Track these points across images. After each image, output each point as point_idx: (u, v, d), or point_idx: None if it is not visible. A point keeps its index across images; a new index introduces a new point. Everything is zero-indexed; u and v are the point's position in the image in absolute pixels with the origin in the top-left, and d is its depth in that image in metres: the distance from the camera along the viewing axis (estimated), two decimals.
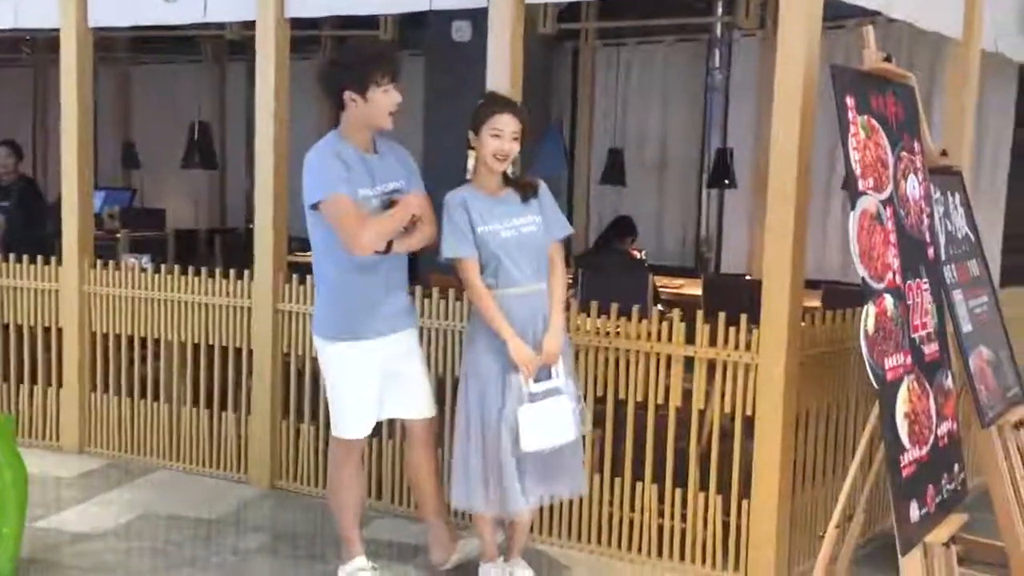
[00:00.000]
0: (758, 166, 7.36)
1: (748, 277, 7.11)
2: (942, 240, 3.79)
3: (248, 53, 9.37)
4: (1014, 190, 6.39)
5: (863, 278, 3.12)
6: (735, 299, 5.83)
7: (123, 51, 9.73)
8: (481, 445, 3.43)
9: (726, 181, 7.33)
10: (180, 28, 7.19)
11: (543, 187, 3.55)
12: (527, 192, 3.48)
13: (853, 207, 3.14)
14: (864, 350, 3.03)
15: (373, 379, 3.48)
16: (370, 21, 7.51)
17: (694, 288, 6.47)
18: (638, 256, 6.71)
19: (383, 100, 3.34)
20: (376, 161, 3.43)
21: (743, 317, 3.70)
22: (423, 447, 3.67)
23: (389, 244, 3.36)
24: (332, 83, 3.37)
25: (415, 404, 3.59)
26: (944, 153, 4.04)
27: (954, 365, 3.68)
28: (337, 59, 3.57)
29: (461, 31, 7.13)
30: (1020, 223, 6.35)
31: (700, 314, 3.78)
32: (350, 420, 3.52)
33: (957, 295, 3.81)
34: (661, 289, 6.20)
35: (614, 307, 3.90)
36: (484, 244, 3.41)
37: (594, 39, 8.11)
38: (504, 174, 3.47)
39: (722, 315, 3.72)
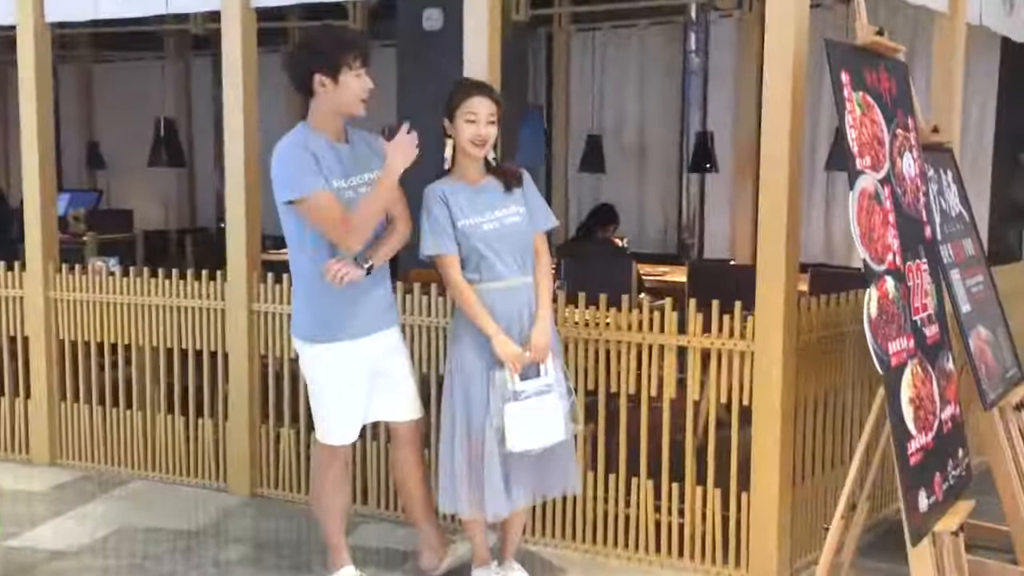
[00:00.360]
0: (739, 149, 7.28)
1: (733, 262, 7.02)
2: (937, 219, 3.69)
3: (213, 47, 9.17)
4: (999, 167, 6.32)
5: (864, 260, 3.00)
6: (721, 285, 5.72)
7: (84, 49, 9.49)
8: (466, 446, 3.30)
9: (707, 165, 7.22)
10: (142, 22, 6.98)
11: (527, 176, 3.41)
12: (510, 181, 3.34)
13: (852, 187, 3.02)
14: (868, 335, 2.92)
15: (357, 381, 3.33)
16: (339, 11, 7.35)
17: (678, 275, 6.36)
18: (620, 244, 6.59)
19: (355, 85, 3.18)
20: (348, 151, 3.27)
21: (737, 305, 3.59)
22: (409, 449, 3.53)
23: (371, 267, 3.20)
24: (301, 67, 3.19)
25: (401, 406, 3.45)
26: (936, 130, 3.94)
27: (953, 347, 3.58)
28: (306, 42, 3.39)
29: (432, 19, 6.96)
30: (1007, 199, 6.30)
31: (692, 303, 3.65)
32: (335, 425, 3.37)
33: (955, 275, 3.71)
34: (645, 277, 6.09)
35: (603, 298, 3.78)
36: (465, 238, 3.27)
37: (568, 24, 7.97)
38: (486, 161, 3.32)
39: (715, 303, 3.60)
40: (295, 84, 3.23)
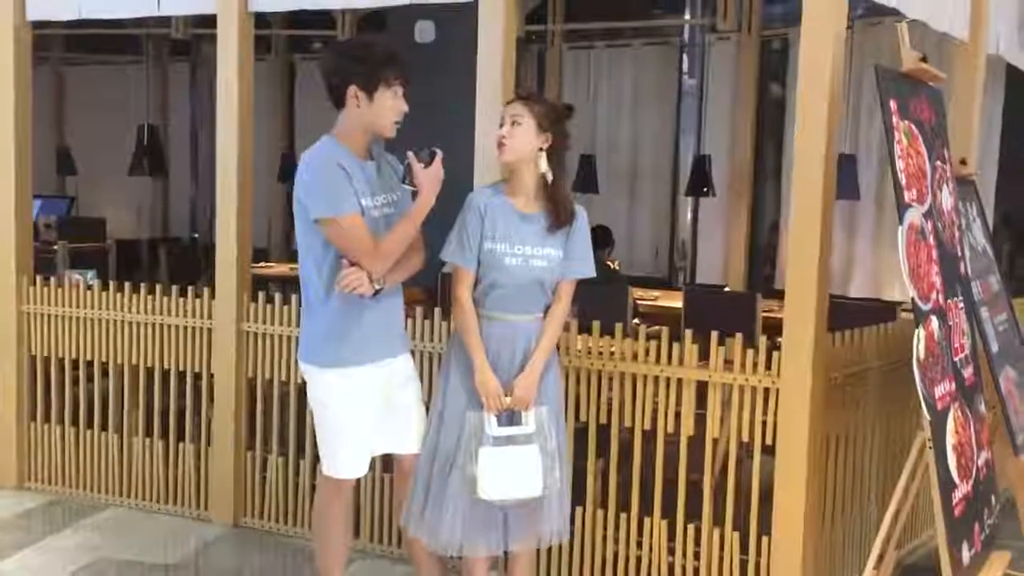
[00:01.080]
0: (733, 173, 7.16)
1: (727, 288, 6.88)
2: (968, 254, 3.56)
3: (192, 54, 8.91)
4: (1002, 195, 6.25)
5: (912, 299, 2.85)
6: (718, 312, 5.58)
7: (57, 50, 9.19)
8: (428, 468, 3.10)
9: (704, 189, 7.08)
10: (120, 24, 6.73)
11: (581, 219, 3.11)
12: (559, 221, 3.06)
13: (901, 221, 2.87)
14: (917, 378, 2.76)
15: (369, 409, 3.11)
16: (327, 22, 7.16)
17: (671, 300, 6.20)
18: (613, 267, 6.41)
19: (390, 104, 2.97)
20: (373, 170, 3.07)
21: (762, 339, 3.42)
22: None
23: (379, 289, 3.00)
24: (339, 74, 2.98)
25: (409, 437, 3.21)
26: (964, 162, 3.82)
27: (983, 388, 3.44)
28: (347, 49, 3.19)
29: (424, 31, 6.77)
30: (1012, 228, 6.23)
31: (714, 335, 3.47)
32: (345, 457, 3.14)
33: (984, 313, 3.58)
34: (638, 302, 5.92)
35: (618, 328, 3.60)
36: (485, 261, 3.06)
37: (561, 42, 7.82)
38: (545, 185, 3.07)
39: (738, 336, 3.43)
40: (328, 92, 3.02)
